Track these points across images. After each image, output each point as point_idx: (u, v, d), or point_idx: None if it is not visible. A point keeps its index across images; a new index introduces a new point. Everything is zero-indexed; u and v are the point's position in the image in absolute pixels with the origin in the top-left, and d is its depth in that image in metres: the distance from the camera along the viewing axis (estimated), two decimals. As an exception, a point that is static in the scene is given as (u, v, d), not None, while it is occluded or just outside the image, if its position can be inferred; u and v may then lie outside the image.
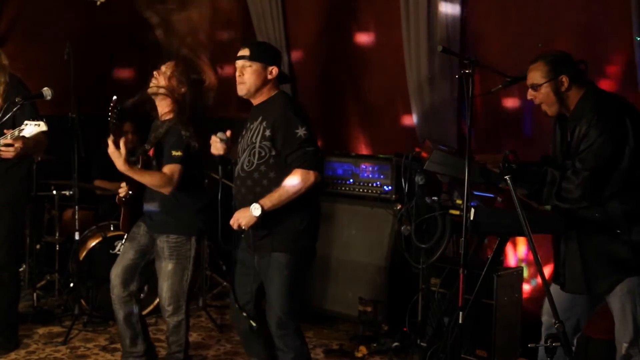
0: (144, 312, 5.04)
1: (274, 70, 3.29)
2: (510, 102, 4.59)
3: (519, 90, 4.23)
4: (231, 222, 3.22)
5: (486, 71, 3.90)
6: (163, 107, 3.73)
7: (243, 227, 3.18)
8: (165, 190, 3.59)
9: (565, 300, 3.22)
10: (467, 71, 3.01)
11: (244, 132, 3.32)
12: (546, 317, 3.30)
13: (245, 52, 3.26)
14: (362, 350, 4.46)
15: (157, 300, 5.05)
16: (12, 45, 5.55)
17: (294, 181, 3.16)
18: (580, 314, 3.28)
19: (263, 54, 3.27)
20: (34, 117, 3.93)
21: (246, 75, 3.23)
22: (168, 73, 3.68)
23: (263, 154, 3.21)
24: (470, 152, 3.01)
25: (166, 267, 3.70)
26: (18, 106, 3.78)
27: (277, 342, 3.27)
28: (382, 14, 5.27)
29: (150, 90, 3.69)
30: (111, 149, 3.45)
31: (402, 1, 4.91)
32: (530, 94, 3.21)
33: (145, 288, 5.04)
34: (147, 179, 3.59)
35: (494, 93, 3.28)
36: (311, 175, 3.18)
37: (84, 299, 4.86)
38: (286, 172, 3.20)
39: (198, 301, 5.28)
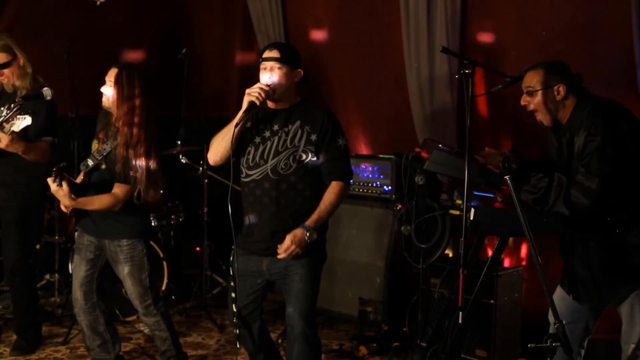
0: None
1: (300, 73, 3.28)
2: (511, 102, 4.59)
3: (519, 90, 4.22)
4: (284, 249, 3.13)
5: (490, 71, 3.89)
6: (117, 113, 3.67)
7: (293, 254, 3.14)
8: (115, 209, 3.61)
9: (573, 302, 3.21)
10: (466, 71, 3.00)
11: (267, 134, 3.25)
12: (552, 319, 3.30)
13: (275, 53, 3.20)
14: (362, 350, 4.46)
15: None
16: (12, 46, 5.55)
17: (337, 196, 3.25)
18: (589, 316, 3.27)
19: (291, 57, 3.24)
20: (45, 125, 4.08)
21: (277, 78, 3.21)
22: (112, 84, 3.62)
23: (304, 157, 3.20)
24: (470, 152, 3.01)
25: (123, 271, 3.73)
26: (18, 106, 3.79)
27: (300, 341, 3.21)
28: (382, 13, 5.27)
29: (103, 105, 3.68)
30: (53, 188, 3.45)
31: (402, 1, 4.91)
32: (525, 99, 3.20)
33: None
34: (96, 204, 3.60)
35: (493, 93, 3.28)
36: (348, 188, 3.33)
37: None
38: (319, 177, 3.26)
39: (198, 301, 5.29)
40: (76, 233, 3.83)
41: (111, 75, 3.62)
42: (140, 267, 3.74)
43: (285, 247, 3.14)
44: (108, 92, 3.61)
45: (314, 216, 3.19)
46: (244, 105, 3.14)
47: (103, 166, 3.65)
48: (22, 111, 3.80)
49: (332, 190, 3.25)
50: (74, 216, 3.72)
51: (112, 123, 3.66)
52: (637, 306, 3.07)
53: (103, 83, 3.66)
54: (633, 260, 3.04)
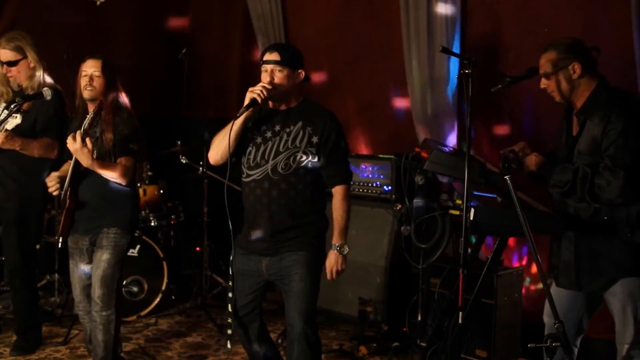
0: (143, 313, 5.06)
1: (301, 74, 3.29)
2: (511, 102, 4.59)
3: (519, 90, 4.23)
4: (330, 276, 3.32)
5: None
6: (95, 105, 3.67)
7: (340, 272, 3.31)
8: (125, 182, 3.64)
9: (566, 301, 3.22)
10: (466, 71, 3.00)
11: (269, 135, 3.26)
12: (548, 319, 3.30)
13: (275, 56, 3.21)
14: (362, 350, 4.46)
15: (157, 300, 5.08)
16: (12, 45, 5.55)
17: (346, 200, 3.30)
18: (581, 314, 3.28)
19: (292, 58, 3.24)
20: (48, 122, 4.12)
21: (277, 80, 3.21)
22: (97, 74, 3.64)
23: (304, 158, 3.21)
24: (470, 152, 3.01)
25: (101, 257, 3.67)
26: (18, 106, 3.79)
27: (300, 341, 3.20)
28: (382, 13, 5.27)
29: (87, 96, 3.65)
30: (78, 144, 3.43)
31: (402, 1, 4.91)
32: (543, 82, 3.19)
33: (145, 287, 5.06)
34: (114, 170, 3.60)
35: (493, 93, 3.27)
36: (350, 189, 3.36)
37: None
38: (320, 177, 3.29)
39: (198, 301, 5.29)
40: (69, 238, 3.76)
41: (95, 66, 3.65)
42: (118, 259, 3.70)
43: (329, 273, 3.30)
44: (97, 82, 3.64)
45: (336, 232, 3.28)
46: (246, 102, 3.15)
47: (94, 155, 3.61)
48: (20, 110, 3.88)
49: (340, 196, 3.29)
50: (69, 217, 3.66)
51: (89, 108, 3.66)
52: (628, 306, 3.07)
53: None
54: (616, 254, 3.05)
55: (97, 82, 3.64)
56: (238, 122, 3.17)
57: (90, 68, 3.65)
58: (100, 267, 3.67)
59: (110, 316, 3.71)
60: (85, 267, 3.75)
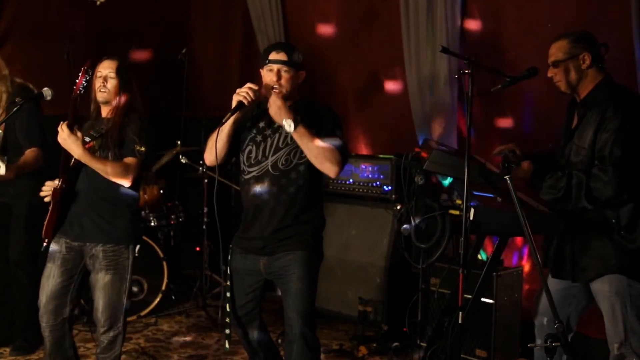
0: (143, 313, 5.07)
1: (303, 74, 3.31)
2: (511, 102, 4.59)
3: (519, 90, 4.22)
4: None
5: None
6: (109, 107, 3.56)
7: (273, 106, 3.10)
8: (123, 182, 3.37)
9: (556, 299, 3.23)
10: (466, 71, 3.00)
11: (268, 132, 3.27)
12: (538, 318, 3.31)
13: (282, 56, 3.23)
14: (362, 350, 4.46)
15: (157, 300, 5.08)
16: (12, 45, 5.54)
17: (328, 146, 3.14)
18: (569, 312, 3.29)
19: (297, 59, 3.27)
20: (26, 131, 4.11)
21: (283, 80, 3.22)
22: (112, 75, 3.50)
23: (304, 154, 3.21)
24: (470, 152, 3.01)
25: (103, 279, 3.38)
26: (17, 107, 3.78)
27: (299, 341, 3.18)
28: (382, 13, 5.27)
29: (100, 98, 3.51)
30: (65, 133, 3.26)
31: (402, 1, 4.91)
32: (551, 71, 3.21)
33: (145, 287, 5.05)
34: (108, 168, 3.33)
35: (493, 93, 3.28)
36: (340, 164, 3.18)
37: (83, 299, 4.85)
38: (319, 175, 3.26)
39: (198, 301, 5.29)
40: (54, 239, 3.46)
41: (110, 67, 3.51)
42: (122, 278, 3.42)
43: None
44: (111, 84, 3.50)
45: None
46: (233, 105, 3.16)
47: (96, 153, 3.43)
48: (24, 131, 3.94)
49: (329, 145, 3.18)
50: (55, 215, 3.41)
51: (103, 117, 3.54)
52: (617, 306, 3.07)
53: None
54: (604, 250, 3.07)
55: (111, 84, 3.49)
56: (226, 125, 3.17)
57: (106, 69, 3.51)
58: (104, 292, 3.39)
59: (117, 336, 3.45)
60: (60, 278, 3.42)
